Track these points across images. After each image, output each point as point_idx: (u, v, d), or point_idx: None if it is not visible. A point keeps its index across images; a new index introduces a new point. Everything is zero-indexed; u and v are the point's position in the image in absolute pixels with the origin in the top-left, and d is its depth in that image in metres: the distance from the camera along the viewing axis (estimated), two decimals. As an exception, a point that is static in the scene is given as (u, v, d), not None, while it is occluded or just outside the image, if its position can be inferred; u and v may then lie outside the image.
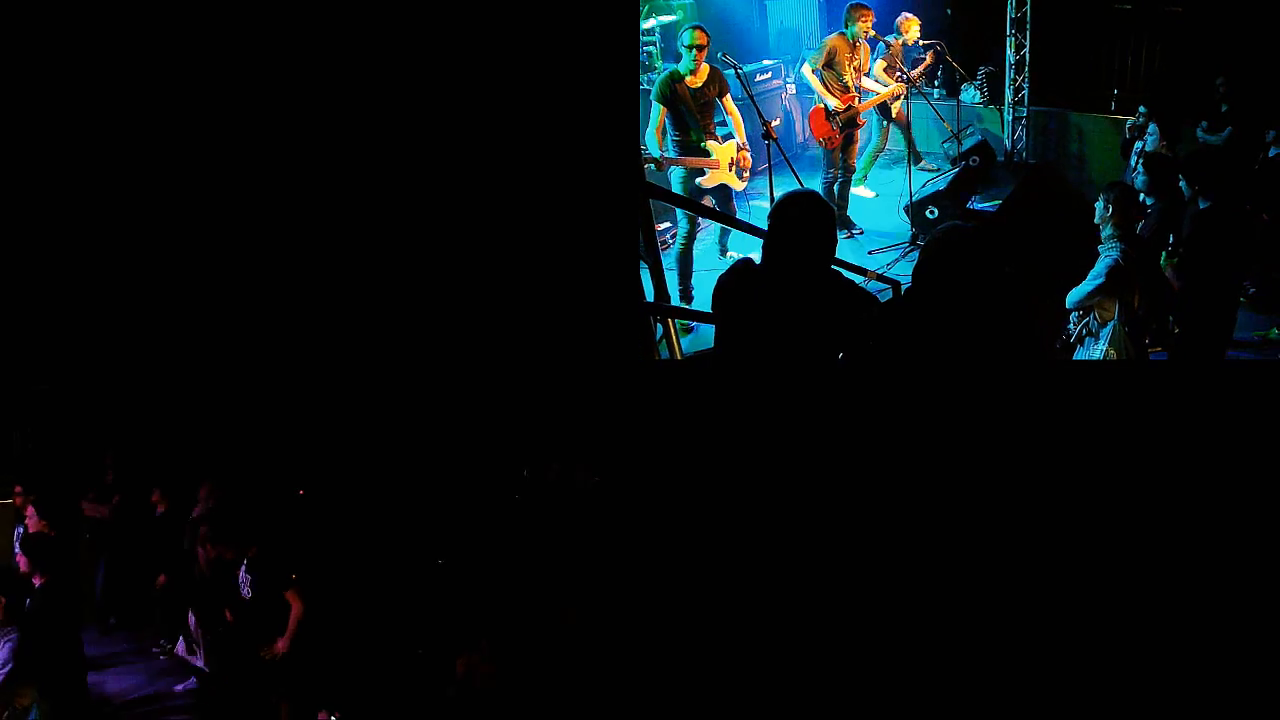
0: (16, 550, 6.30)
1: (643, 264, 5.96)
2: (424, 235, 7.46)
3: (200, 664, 6.62)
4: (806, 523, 3.51)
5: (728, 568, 3.57)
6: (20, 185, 7.05)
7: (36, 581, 4.98)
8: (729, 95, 6.83)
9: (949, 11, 9.20)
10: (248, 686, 5.46)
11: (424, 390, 7.61)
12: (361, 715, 4.92)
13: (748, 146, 6.87)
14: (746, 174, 6.84)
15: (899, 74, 8.06)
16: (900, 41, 8.25)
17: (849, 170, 7.98)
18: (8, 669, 4.49)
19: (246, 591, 5.44)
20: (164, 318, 7.79)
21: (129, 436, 7.91)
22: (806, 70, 7.78)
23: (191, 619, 6.67)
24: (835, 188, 7.90)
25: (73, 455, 7.91)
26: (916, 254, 7.42)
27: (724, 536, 3.60)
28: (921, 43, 8.30)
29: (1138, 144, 7.52)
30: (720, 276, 3.69)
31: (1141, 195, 5.63)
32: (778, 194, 6.17)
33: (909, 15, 8.26)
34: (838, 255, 3.78)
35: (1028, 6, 8.75)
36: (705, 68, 6.61)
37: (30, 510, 6.18)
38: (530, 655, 4.62)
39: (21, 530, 6.49)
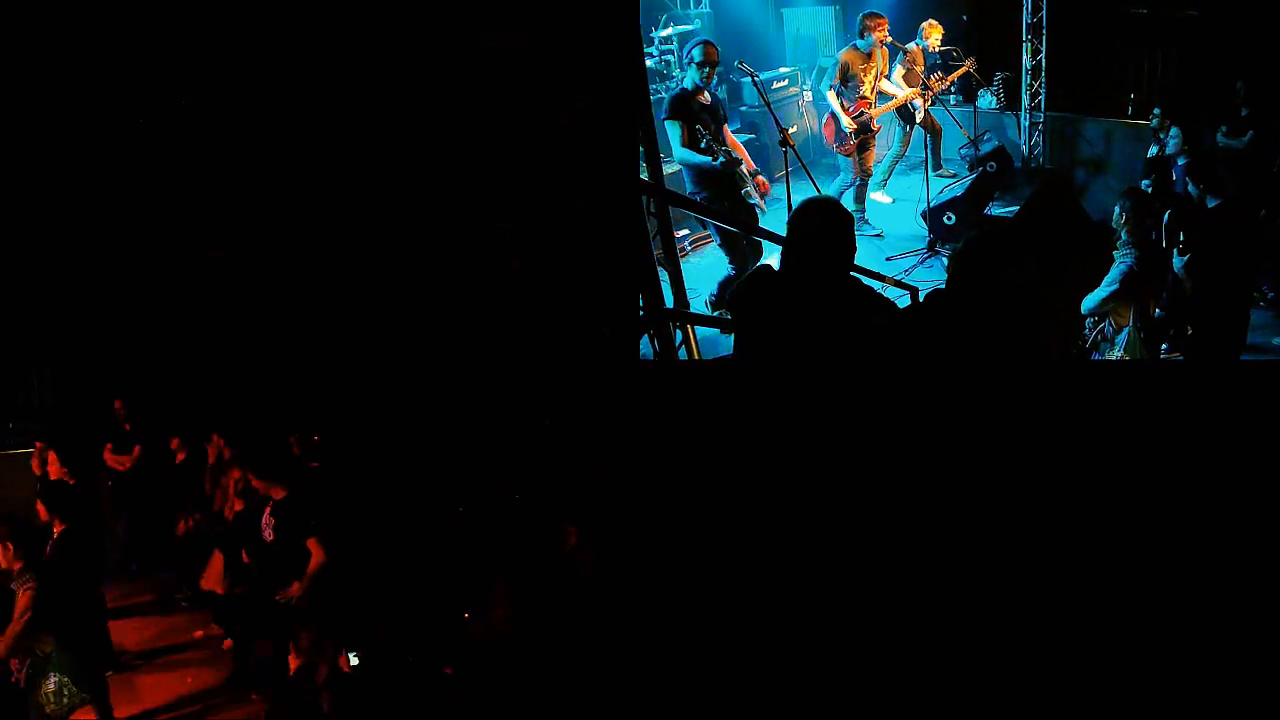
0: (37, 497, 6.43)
1: (662, 270, 6.01)
2: (442, 232, 7.57)
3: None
4: (823, 525, 3.56)
5: (741, 567, 3.63)
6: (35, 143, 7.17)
7: (56, 529, 4.95)
8: (726, 125, 6.67)
9: (965, 18, 9.24)
10: (263, 628, 5.52)
11: (443, 374, 7.73)
12: (380, 657, 4.97)
13: (761, 173, 6.75)
14: (763, 197, 6.67)
15: (920, 83, 8.08)
16: (920, 48, 8.29)
17: (866, 174, 7.97)
18: (26, 618, 4.44)
19: (269, 535, 5.52)
20: (186, 266, 7.93)
21: (144, 385, 7.97)
22: (829, 94, 7.73)
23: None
24: (851, 191, 7.91)
25: (92, 404, 7.96)
26: (934, 260, 7.53)
27: (740, 537, 3.65)
28: (940, 49, 8.34)
29: (1153, 148, 7.53)
30: (739, 283, 3.75)
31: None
32: (795, 201, 6.28)
33: (932, 21, 8.30)
34: (857, 261, 3.83)
35: (1044, 12, 8.78)
36: (709, 94, 6.44)
37: (51, 457, 6.15)
38: (545, 601, 4.72)
39: (42, 478, 6.51)
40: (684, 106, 6.36)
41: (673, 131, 6.38)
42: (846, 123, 7.62)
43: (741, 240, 6.52)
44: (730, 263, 6.62)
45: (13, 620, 4.48)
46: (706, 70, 6.35)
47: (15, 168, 7.18)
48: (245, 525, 5.74)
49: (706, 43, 6.44)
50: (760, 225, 6.59)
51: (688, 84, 6.45)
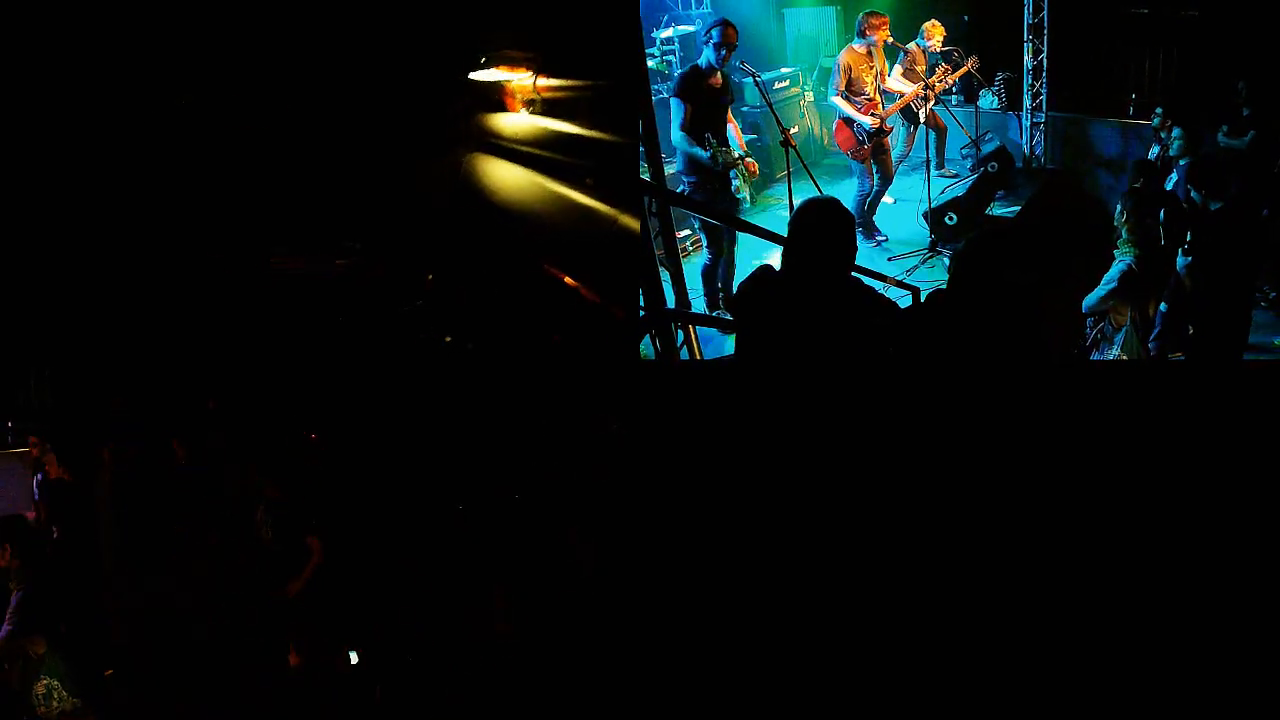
0: (35, 497, 6.33)
1: (664, 270, 6.00)
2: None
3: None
4: (824, 525, 3.56)
5: (742, 568, 3.63)
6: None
7: (55, 529, 4.98)
8: (730, 113, 6.65)
9: (966, 18, 9.22)
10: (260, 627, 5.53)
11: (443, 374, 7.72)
12: (382, 654, 4.98)
13: (751, 156, 6.70)
14: (750, 180, 6.62)
15: (922, 83, 8.05)
16: (921, 48, 8.26)
17: (887, 181, 7.84)
18: (16, 619, 4.45)
19: (266, 534, 5.52)
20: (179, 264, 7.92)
21: (144, 385, 7.96)
22: (837, 100, 7.60)
23: None
24: (869, 200, 7.79)
25: (92, 404, 7.95)
26: (936, 260, 7.52)
27: (740, 537, 3.65)
28: (941, 50, 8.31)
29: (1154, 148, 7.52)
30: (740, 284, 3.75)
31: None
32: (797, 201, 6.27)
33: (935, 22, 8.26)
34: (858, 262, 3.82)
35: (1045, 12, 8.77)
36: (721, 75, 6.39)
37: (50, 458, 6.13)
38: (545, 601, 4.73)
39: (41, 478, 6.47)
40: (693, 87, 6.24)
41: (676, 110, 6.26)
42: (870, 121, 7.47)
43: (722, 229, 6.49)
44: (708, 248, 6.59)
45: (4, 622, 4.49)
46: (723, 53, 6.22)
47: (13, 168, 7.17)
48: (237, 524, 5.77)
49: (727, 24, 6.29)
50: (756, 224, 6.56)
51: (701, 63, 6.32)
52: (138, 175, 7.59)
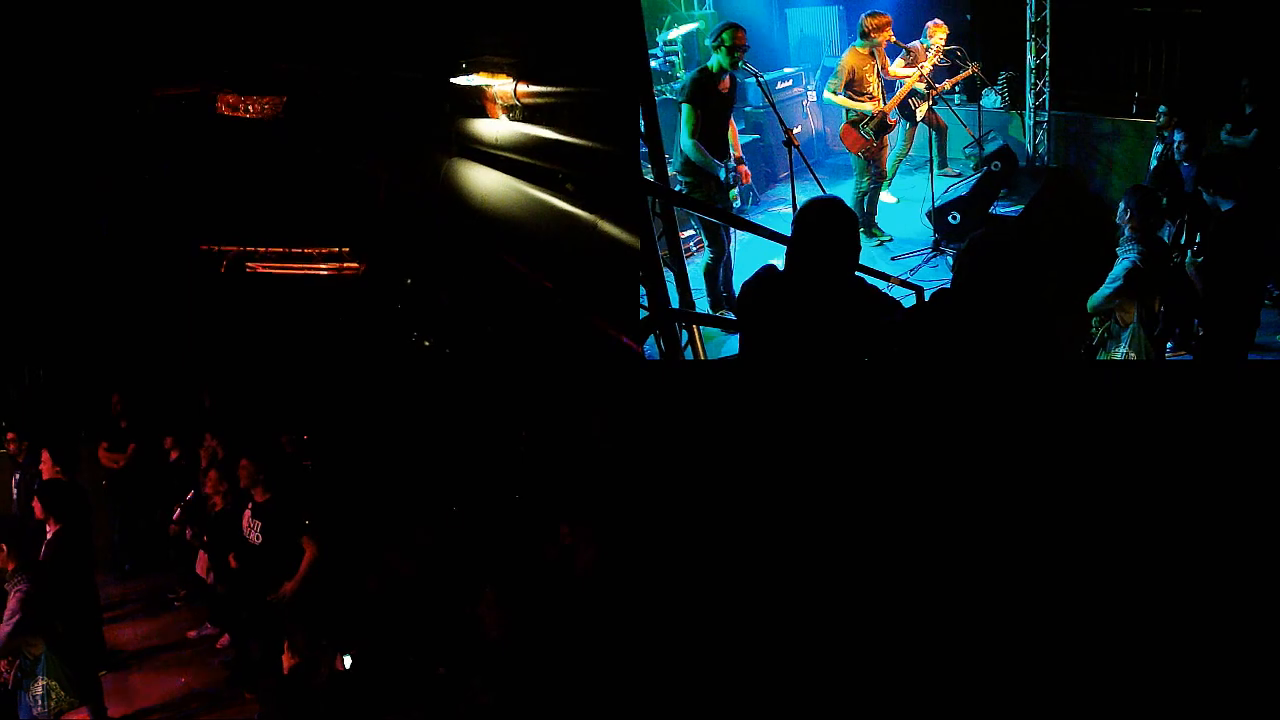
0: (14, 495, 6.41)
1: (668, 270, 5.99)
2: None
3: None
4: (828, 525, 3.55)
5: (746, 567, 3.62)
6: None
7: (50, 529, 4.98)
8: (731, 120, 6.64)
9: (968, 17, 9.22)
10: (255, 629, 5.52)
11: (441, 376, 7.72)
12: (374, 658, 4.97)
13: (744, 161, 6.71)
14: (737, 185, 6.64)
15: (921, 74, 8.04)
16: (924, 46, 8.25)
17: (880, 177, 7.85)
18: (15, 619, 4.45)
19: (256, 537, 5.51)
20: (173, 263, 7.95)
21: (139, 383, 7.96)
22: (832, 97, 7.57)
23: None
24: (866, 197, 7.80)
25: (81, 401, 7.95)
26: (939, 259, 7.51)
27: (745, 537, 3.64)
28: (944, 50, 8.28)
29: (1157, 146, 7.51)
30: (744, 283, 3.74)
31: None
32: (800, 201, 6.27)
33: (938, 22, 8.24)
34: (862, 261, 3.81)
35: (1047, 11, 8.77)
36: (729, 78, 6.37)
37: (45, 456, 6.08)
38: (539, 602, 4.73)
39: (18, 476, 6.54)
40: (703, 93, 6.19)
41: (687, 116, 6.20)
42: (873, 108, 7.43)
43: (721, 228, 6.48)
44: (709, 248, 6.59)
45: (2, 622, 4.48)
46: (736, 55, 6.16)
47: (7, 167, 7.17)
48: (227, 526, 5.75)
49: (738, 28, 6.21)
50: (758, 223, 6.56)
51: (711, 65, 6.25)
52: (132, 175, 7.62)
